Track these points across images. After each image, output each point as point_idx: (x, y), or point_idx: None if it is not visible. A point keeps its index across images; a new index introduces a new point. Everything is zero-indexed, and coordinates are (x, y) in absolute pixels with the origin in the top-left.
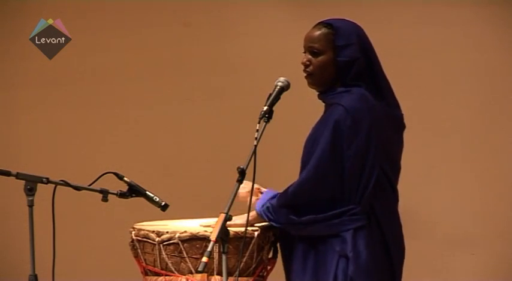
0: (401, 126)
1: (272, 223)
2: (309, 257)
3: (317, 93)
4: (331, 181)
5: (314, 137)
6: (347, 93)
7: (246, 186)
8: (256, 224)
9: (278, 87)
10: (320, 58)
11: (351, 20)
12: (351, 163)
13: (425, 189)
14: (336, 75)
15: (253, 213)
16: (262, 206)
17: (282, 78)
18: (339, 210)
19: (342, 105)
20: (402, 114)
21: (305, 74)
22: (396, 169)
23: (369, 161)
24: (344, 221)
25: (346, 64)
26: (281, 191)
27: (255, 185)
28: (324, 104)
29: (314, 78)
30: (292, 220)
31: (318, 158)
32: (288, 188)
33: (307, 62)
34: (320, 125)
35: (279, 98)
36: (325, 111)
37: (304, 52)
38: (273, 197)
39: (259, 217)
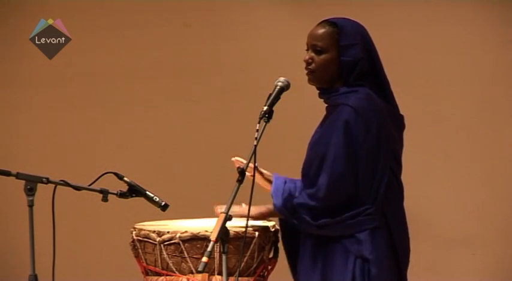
0: (402, 126)
1: (288, 218)
2: (318, 257)
3: (318, 92)
4: (347, 183)
5: (323, 139)
6: (353, 93)
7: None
8: (255, 224)
9: (278, 87)
10: (323, 56)
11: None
12: (364, 163)
13: (425, 189)
14: (337, 74)
15: (268, 208)
16: (281, 201)
17: (282, 78)
18: (354, 211)
19: (350, 106)
20: (402, 115)
21: (306, 71)
22: (401, 168)
23: (381, 161)
24: (360, 221)
25: (349, 64)
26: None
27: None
28: (324, 103)
29: (315, 75)
30: (307, 221)
31: (333, 161)
32: (304, 191)
33: (310, 60)
34: (328, 127)
35: (279, 98)
36: (328, 112)
37: (307, 50)
38: (289, 193)
39: (274, 212)
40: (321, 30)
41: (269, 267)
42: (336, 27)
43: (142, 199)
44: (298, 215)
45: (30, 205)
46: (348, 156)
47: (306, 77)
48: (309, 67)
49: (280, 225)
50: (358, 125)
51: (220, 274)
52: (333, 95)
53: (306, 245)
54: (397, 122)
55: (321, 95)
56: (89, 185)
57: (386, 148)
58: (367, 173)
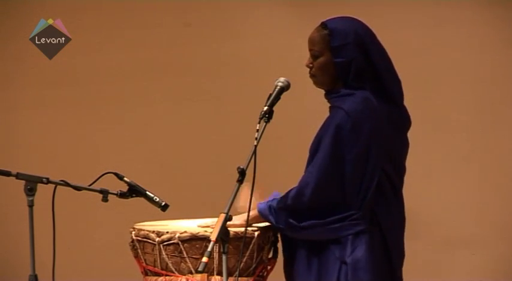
0: (407, 125)
1: (272, 223)
2: (312, 261)
3: (324, 93)
4: (332, 187)
5: (317, 141)
6: (350, 96)
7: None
8: (255, 224)
9: (278, 87)
10: (319, 60)
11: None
12: (352, 167)
13: (425, 189)
14: (336, 76)
15: (254, 212)
16: (265, 205)
17: (282, 79)
18: (340, 216)
19: (343, 109)
20: (408, 116)
21: (309, 75)
22: (401, 171)
23: (370, 166)
24: (344, 226)
25: (343, 65)
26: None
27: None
28: (328, 104)
29: (317, 79)
30: (290, 224)
31: (319, 164)
32: (289, 192)
33: (310, 65)
34: (321, 130)
35: (279, 98)
36: (329, 113)
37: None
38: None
39: (260, 217)
40: (315, 35)
41: (268, 267)
42: (327, 30)
43: (142, 199)
44: (283, 220)
45: (30, 205)
46: (333, 162)
47: (306, 77)
48: (311, 72)
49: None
50: (348, 129)
51: (219, 274)
52: (333, 96)
53: (301, 250)
54: (400, 123)
55: (325, 96)
56: (89, 185)
57: (378, 152)
58: (355, 177)
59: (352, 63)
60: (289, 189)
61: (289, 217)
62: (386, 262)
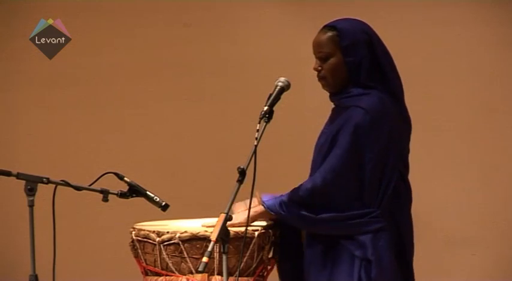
0: (409, 123)
1: (284, 217)
2: (328, 261)
3: (328, 94)
4: (348, 183)
5: (331, 141)
6: (366, 95)
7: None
8: (257, 224)
9: (278, 87)
10: (329, 61)
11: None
12: (373, 165)
13: (425, 189)
14: (347, 76)
15: (258, 208)
16: (274, 201)
17: (282, 79)
18: (357, 212)
19: (362, 108)
20: (409, 117)
21: (318, 79)
22: (408, 168)
23: (389, 165)
24: (362, 223)
25: (355, 64)
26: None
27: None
28: (334, 105)
29: (327, 81)
30: (304, 216)
31: (337, 158)
32: (301, 185)
33: (319, 68)
34: (337, 129)
35: (279, 98)
36: (336, 113)
37: (316, 58)
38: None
39: (267, 213)
40: (322, 37)
41: (268, 267)
42: (335, 30)
43: (142, 199)
44: (295, 212)
45: (31, 205)
46: (352, 158)
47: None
48: (320, 74)
49: (281, 225)
50: (368, 127)
51: (219, 274)
52: (345, 97)
53: (314, 248)
54: (405, 121)
55: (332, 98)
56: (90, 185)
57: (396, 151)
58: (375, 175)
59: (363, 62)
60: (302, 182)
61: (301, 210)
62: (403, 260)
